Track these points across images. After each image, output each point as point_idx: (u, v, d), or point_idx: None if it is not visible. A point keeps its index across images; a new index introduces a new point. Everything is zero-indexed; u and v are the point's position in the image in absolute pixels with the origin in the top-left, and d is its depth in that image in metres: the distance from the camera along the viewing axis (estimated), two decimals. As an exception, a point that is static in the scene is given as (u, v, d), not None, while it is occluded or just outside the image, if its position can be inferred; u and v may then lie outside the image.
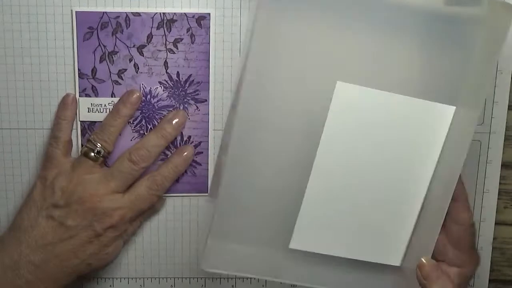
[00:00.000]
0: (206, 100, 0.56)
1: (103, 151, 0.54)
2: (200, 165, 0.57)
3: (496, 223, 0.61)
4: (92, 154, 0.54)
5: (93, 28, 0.54)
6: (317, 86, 0.48)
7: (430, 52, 0.49)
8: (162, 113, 0.56)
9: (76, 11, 0.54)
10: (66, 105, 0.55)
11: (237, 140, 0.48)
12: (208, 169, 0.57)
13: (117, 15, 0.54)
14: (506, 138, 0.59)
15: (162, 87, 0.56)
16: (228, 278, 0.60)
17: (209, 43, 0.55)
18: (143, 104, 0.55)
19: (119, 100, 0.55)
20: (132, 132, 0.56)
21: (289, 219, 0.51)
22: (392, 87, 0.48)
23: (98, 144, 0.54)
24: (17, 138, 0.56)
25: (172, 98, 0.56)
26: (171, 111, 0.56)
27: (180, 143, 0.57)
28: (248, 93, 0.47)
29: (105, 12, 0.54)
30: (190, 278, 0.60)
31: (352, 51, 0.48)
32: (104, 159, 0.55)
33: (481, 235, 0.60)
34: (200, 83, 0.56)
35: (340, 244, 0.52)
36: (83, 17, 0.54)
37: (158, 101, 0.56)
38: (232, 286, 0.61)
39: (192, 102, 0.56)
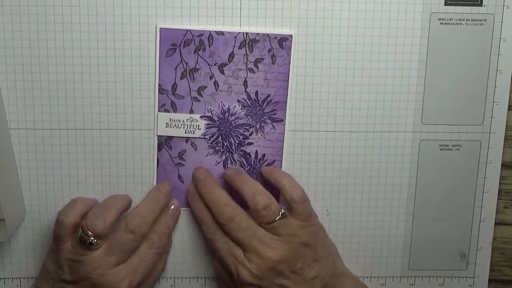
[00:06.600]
0: (282, 120, 0.57)
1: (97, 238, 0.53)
2: (272, 183, 0.58)
3: (496, 223, 0.60)
4: (87, 241, 0.53)
5: (176, 45, 0.55)
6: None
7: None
8: (239, 131, 0.57)
9: (160, 28, 0.54)
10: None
11: None
12: (279, 187, 0.58)
13: (201, 33, 0.54)
14: (506, 138, 0.58)
15: (240, 105, 0.56)
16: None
17: (289, 64, 0.55)
18: (221, 121, 0.56)
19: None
20: (208, 148, 0.57)
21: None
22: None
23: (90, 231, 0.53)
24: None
25: (249, 117, 0.56)
26: (248, 129, 0.56)
27: (254, 161, 0.57)
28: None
29: (189, 30, 0.54)
30: (190, 278, 0.60)
31: None
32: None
33: (481, 235, 0.60)
34: (277, 102, 0.56)
35: None
36: (167, 34, 0.54)
37: (235, 119, 0.56)
38: (232, 285, 0.61)
39: (268, 121, 0.57)
